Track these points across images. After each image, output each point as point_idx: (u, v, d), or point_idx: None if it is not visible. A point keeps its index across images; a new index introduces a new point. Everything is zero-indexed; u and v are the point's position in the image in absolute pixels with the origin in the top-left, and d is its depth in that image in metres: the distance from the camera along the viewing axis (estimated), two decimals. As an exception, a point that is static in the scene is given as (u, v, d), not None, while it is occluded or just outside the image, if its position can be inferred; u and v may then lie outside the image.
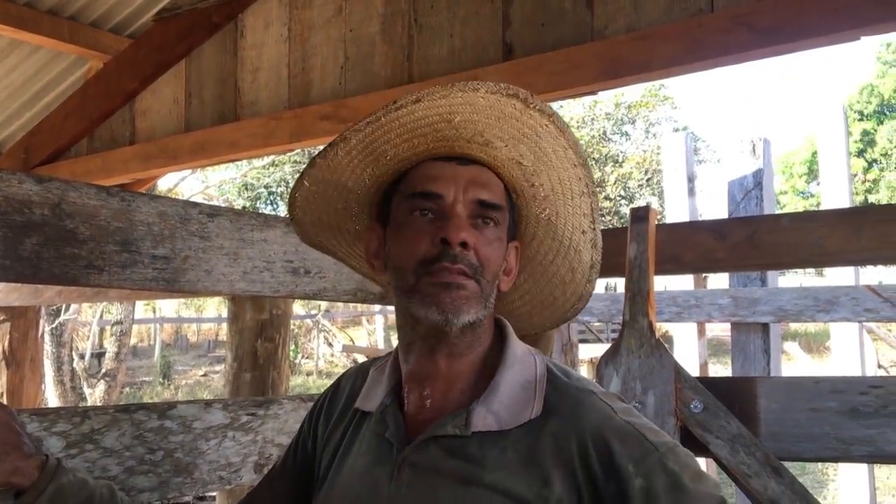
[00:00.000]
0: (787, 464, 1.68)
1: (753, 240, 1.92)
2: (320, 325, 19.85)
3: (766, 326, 4.48)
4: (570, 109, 21.63)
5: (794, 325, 20.73)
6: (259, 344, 2.81)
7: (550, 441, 0.99)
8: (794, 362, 15.22)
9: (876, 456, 1.65)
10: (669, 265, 2.08)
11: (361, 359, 15.10)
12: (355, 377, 1.26)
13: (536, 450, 0.99)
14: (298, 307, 19.98)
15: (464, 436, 1.02)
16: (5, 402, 3.42)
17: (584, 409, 1.01)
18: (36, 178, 1.36)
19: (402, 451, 1.06)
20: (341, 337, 20.12)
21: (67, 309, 8.06)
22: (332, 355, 19.41)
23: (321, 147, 1.11)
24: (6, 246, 1.31)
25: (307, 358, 19.75)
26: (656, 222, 2.03)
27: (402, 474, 1.04)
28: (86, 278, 1.42)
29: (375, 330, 20.78)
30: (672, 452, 0.98)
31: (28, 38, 3.81)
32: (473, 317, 1.03)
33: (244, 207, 19.42)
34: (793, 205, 28.09)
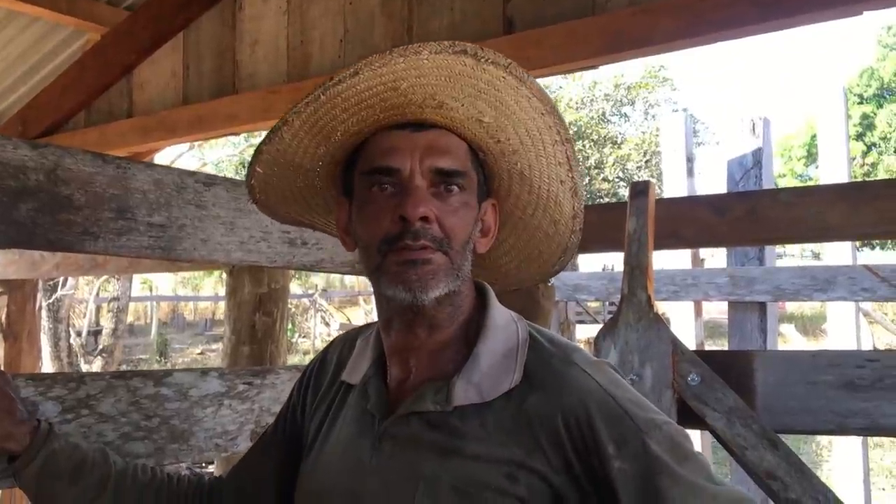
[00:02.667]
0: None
1: (753, 215, 1.92)
2: (317, 305, 19.88)
3: (763, 305, 4.49)
4: (570, 91, 21.57)
5: (790, 308, 20.79)
6: (257, 317, 2.81)
7: (534, 413, 0.97)
8: (789, 344, 15.27)
9: (871, 429, 1.65)
10: (669, 240, 2.07)
11: (359, 338, 15.10)
12: (342, 346, 1.25)
13: (518, 420, 0.98)
14: (296, 287, 19.99)
15: (445, 410, 1.00)
16: (2, 373, 3.43)
17: (568, 383, 0.99)
18: (31, 144, 1.35)
19: (384, 423, 1.05)
20: (338, 317, 20.15)
21: (64, 285, 8.06)
22: (329, 334, 19.46)
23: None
24: (1, 211, 1.30)
25: (304, 337, 19.79)
26: (655, 197, 2.02)
27: (384, 446, 1.04)
28: (81, 245, 1.41)
29: (372, 309, 20.82)
30: (657, 430, 0.96)
31: (25, 10, 3.77)
32: (444, 289, 1.00)
33: (242, 185, 19.35)
34: (791, 188, 28.00)
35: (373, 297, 1.19)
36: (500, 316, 1.08)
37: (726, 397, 1.71)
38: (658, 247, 2.01)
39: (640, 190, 1.99)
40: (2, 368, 3.35)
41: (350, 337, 1.25)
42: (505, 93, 1.01)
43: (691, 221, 2.08)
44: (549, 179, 1.09)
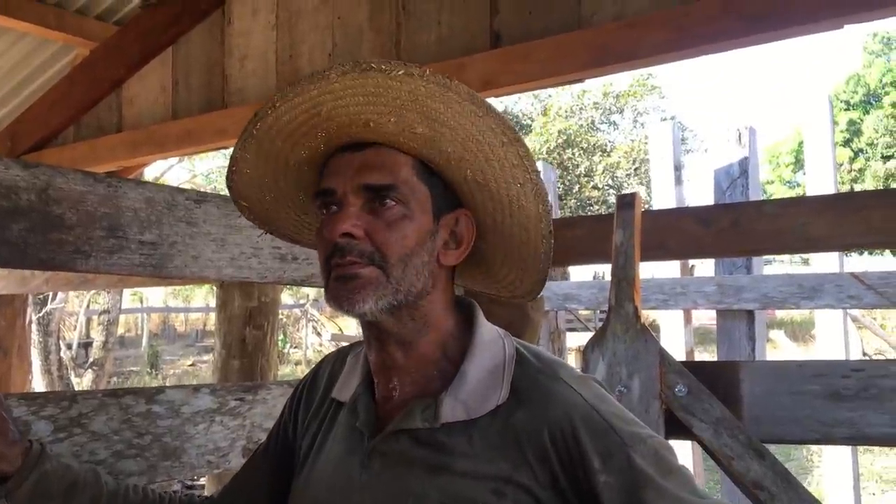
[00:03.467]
0: (772, 450, 1.70)
1: (738, 226, 1.93)
2: (309, 315, 19.84)
3: (751, 313, 4.52)
4: (559, 99, 21.66)
5: (779, 314, 20.87)
6: (248, 331, 2.82)
7: (521, 429, 0.98)
8: (779, 350, 15.34)
9: (857, 438, 1.67)
10: (655, 252, 2.09)
11: (350, 348, 15.06)
12: (334, 362, 1.26)
13: (506, 436, 0.99)
14: (287, 296, 19.93)
15: (433, 427, 1.02)
16: (-8, 390, 3.41)
17: (554, 398, 1.00)
18: (22, 164, 1.36)
19: (373, 440, 1.06)
20: (330, 326, 20.11)
21: (54, 298, 8.03)
22: (321, 345, 19.41)
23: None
24: (-8, 231, 1.31)
25: (295, 347, 19.74)
26: (642, 209, 2.04)
27: (373, 463, 1.05)
28: (73, 264, 1.42)
29: (364, 319, 20.69)
30: (642, 444, 0.97)
31: (13, 25, 3.77)
32: (379, 304, 1.00)
33: (232, 197, 19.32)
34: (779, 194, 28.17)
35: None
36: (487, 332, 1.09)
37: (713, 408, 1.73)
38: (645, 258, 2.03)
39: (626, 202, 2.01)
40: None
41: (341, 353, 1.26)
42: (431, 101, 0.99)
43: (677, 233, 2.10)
44: (506, 183, 1.06)
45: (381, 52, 2.95)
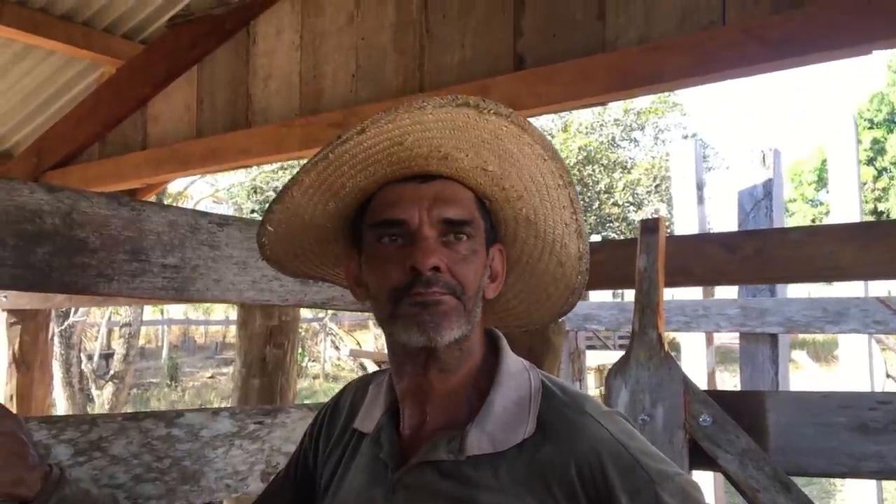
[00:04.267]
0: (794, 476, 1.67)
1: (763, 253, 1.92)
2: (327, 329, 19.87)
3: (774, 337, 4.46)
4: (579, 115, 21.61)
5: (802, 334, 20.65)
6: (268, 350, 2.82)
7: (547, 464, 0.98)
8: (801, 371, 15.16)
9: (885, 472, 1.64)
10: (679, 277, 2.07)
11: (368, 363, 15.09)
12: (355, 392, 1.25)
13: (532, 470, 0.98)
14: (306, 311, 19.97)
15: (458, 460, 1.01)
16: (14, 405, 3.43)
17: (581, 433, 0.99)
18: (47, 188, 1.37)
19: (397, 472, 1.05)
20: (348, 340, 20.12)
21: (76, 311, 8.09)
22: (339, 359, 19.42)
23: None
24: (18, 255, 1.32)
25: (314, 361, 19.76)
26: (666, 234, 2.03)
27: (397, 496, 1.04)
28: (95, 287, 1.43)
29: (381, 333, 20.73)
30: (670, 481, 0.96)
31: (42, 43, 3.83)
32: (457, 333, 1.01)
33: (253, 211, 19.48)
34: (802, 213, 27.98)
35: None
36: (513, 364, 1.09)
37: (739, 439, 1.70)
38: (668, 284, 2.02)
39: (650, 227, 1.99)
40: (13, 407, 3.36)
41: (362, 383, 1.26)
42: (508, 141, 1.03)
43: (702, 258, 2.08)
44: (553, 223, 1.12)
45: (405, 73, 2.96)
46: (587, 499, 0.95)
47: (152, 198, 5.18)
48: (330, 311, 19.63)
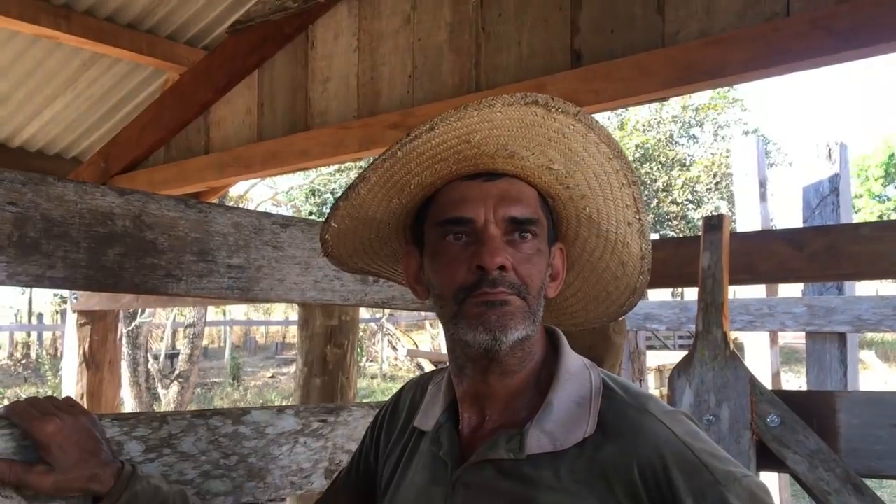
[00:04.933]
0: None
1: (832, 250, 1.87)
2: (385, 329, 20.01)
3: (842, 336, 4.33)
4: (636, 112, 21.35)
5: (870, 333, 20.03)
6: (328, 349, 2.85)
7: (609, 464, 0.96)
8: (870, 371, 14.71)
9: (964, 476, 1.58)
10: (744, 275, 2.03)
11: (425, 363, 15.15)
12: (415, 390, 1.26)
13: (593, 470, 0.97)
14: (363, 311, 20.16)
15: (518, 459, 1.00)
16: (85, 403, 3.54)
17: (644, 433, 0.97)
18: (118, 191, 1.41)
19: (457, 470, 1.05)
20: (405, 341, 20.23)
21: (143, 312, 8.31)
22: (397, 359, 19.54)
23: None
24: (90, 256, 1.36)
25: (372, 361, 19.93)
26: (730, 231, 1.99)
27: (457, 494, 1.04)
28: (164, 287, 1.46)
29: (438, 334, 20.87)
30: (736, 483, 0.93)
31: (108, 52, 3.95)
32: (522, 333, 1.01)
33: (311, 213, 19.75)
34: (868, 208, 27.16)
35: (438, 322, 1.20)
36: (573, 363, 1.08)
37: (808, 440, 1.66)
38: (733, 282, 1.98)
39: (713, 224, 1.96)
40: (85, 405, 3.46)
41: (422, 382, 1.26)
42: (574, 140, 1.04)
43: (768, 256, 2.04)
44: (616, 222, 1.12)
45: (461, 73, 2.96)
46: (650, 501, 0.93)
47: (215, 201, 5.29)
48: (387, 312, 19.79)
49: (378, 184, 1.07)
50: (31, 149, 4.82)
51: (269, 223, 1.65)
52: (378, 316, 20.17)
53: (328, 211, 1.14)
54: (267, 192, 16.75)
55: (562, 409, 1.02)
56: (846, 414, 1.70)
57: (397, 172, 1.05)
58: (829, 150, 4.63)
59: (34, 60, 4.12)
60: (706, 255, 1.92)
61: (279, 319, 25.06)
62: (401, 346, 19.25)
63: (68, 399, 1.22)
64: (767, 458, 1.70)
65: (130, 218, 1.41)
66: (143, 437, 1.38)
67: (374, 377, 18.09)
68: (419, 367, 16.19)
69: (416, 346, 19.38)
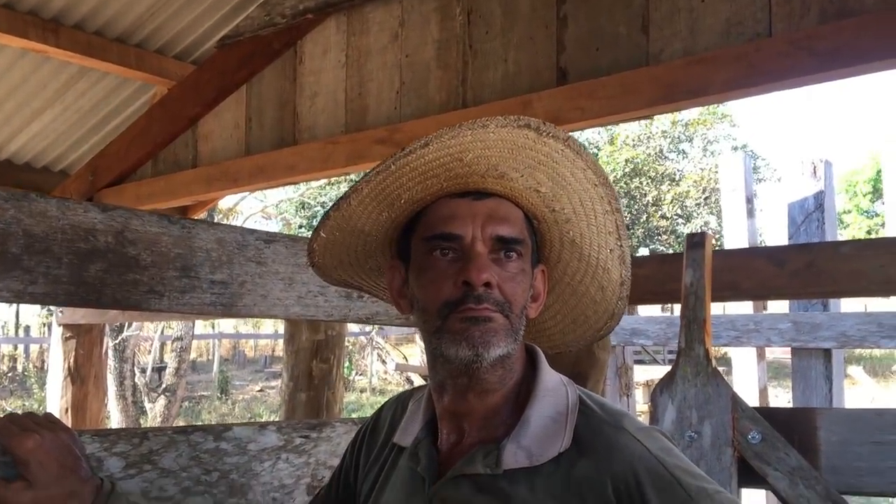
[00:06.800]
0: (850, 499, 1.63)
1: (813, 267, 1.88)
2: (374, 343, 19.97)
3: (828, 352, 4.35)
4: (626, 127, 21.47)
5: (857, 349, 20.12)
6: (314, 364, 2.85)
7: (584, 479, 0.97)
8: (858, 387, 14.77)
9: (943, 493, 1.59)
10: (727, 292, 2.05)
11: (415, 377, 15.12)
12: (395, 407, 1.27)
13: (568, 486, 0.97)
14: (353, 325, 20.10)
15: (494, 474, 1.01)
16: (70, 418, 3.52)
17: (619, 449, 0.98)
18: (100, 207, 1.41)
19: (434, 485, 1.06)
20: (395, 354, 20.19)
21: (130, 325, 8.27)
22: (386, 373, 19.50)
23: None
24: (71, 272, 1.36)
25: (361, 375, 19.87)
26: (713, 248, 2.00)
27: None
28: (147, 303, 1.46)
29: (429, 348, 20.74)
30: (709, 500, 0.94)
31: (96, 65, 3.95)
32: (504, 350, 1.03)
33: (301, 226, 19.73)
34: (857, 224, 27.33)
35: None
36: (550, 379, 1.09)
37: (789, 457, 1.67)
38: (716, 299, 1.99)
39: (696, 241, 1.97)
40: (68, 419, 3.44)
41: (402, 398, 1.27)
42: (562, 164, 1.06)
43: (750, 273, 2.05)
44: (598, 247, 1.14)
45: (448, 89, 2.98)
46: None
47: (203, 214, 5.29)
48: (376, 326, 19.74)
49: (370, 196, 1.08)
50: (18, 162, 4.80)
51: (253, 239, 1.65)
52: (367, 330, 20.13)
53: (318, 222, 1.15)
54: (256, 205, 16.74)
55: (538, 424, 1.03)
56: (826, 431, 1.71)
57: (389, 186, 1.07)
58: (814, 167, 4.67)
59: (22, 74, 4.11)
60: (689, 273, 1.93)
61: (268, 333, 24.98)
62: (390, 360, 19.21)
63: (48, 415, 1.22)
64: (749, 475, 1.71)
65: (113, 234, 1.42)
66: (123, 453, 1.37)
67: (363, 391, 18.03)
68: (408, 381, 16.16)
69: (406, 360, 19.34)
